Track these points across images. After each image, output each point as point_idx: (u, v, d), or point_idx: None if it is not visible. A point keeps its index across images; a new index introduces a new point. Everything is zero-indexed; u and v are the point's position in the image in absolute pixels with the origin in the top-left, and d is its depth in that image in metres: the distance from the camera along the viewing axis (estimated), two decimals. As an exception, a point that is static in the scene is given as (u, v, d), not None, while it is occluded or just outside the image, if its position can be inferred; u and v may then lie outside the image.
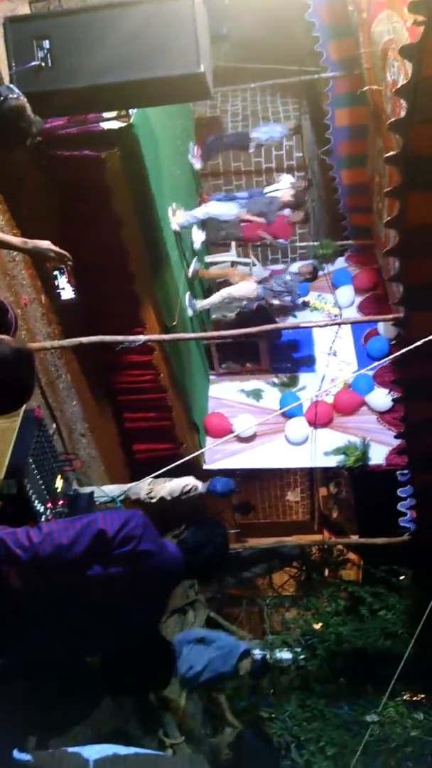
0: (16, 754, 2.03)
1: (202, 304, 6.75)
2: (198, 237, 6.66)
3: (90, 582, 2.13)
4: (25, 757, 2.04)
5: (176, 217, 6.00)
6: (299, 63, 7.49)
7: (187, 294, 6.41)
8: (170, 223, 5.84)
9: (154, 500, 5.31)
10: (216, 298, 6.78)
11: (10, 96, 2.59)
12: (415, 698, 5.58)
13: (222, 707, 5.77)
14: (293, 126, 7.77)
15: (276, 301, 6.80)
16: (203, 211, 6.49)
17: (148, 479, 5.09)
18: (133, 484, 5.18)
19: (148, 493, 5.29)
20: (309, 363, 7.74)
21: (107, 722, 4.08)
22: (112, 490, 5.03)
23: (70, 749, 2.12)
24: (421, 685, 5.55)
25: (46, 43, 3.68)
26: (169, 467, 4.58)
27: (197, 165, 7.28)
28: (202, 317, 7.22)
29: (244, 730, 2.40)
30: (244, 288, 6.82)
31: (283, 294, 6.75)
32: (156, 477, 4.98)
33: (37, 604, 2.10)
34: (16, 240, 3.02)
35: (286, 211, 6.93)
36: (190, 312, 6.47)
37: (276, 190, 6.88)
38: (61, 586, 2.12)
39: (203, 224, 6.69)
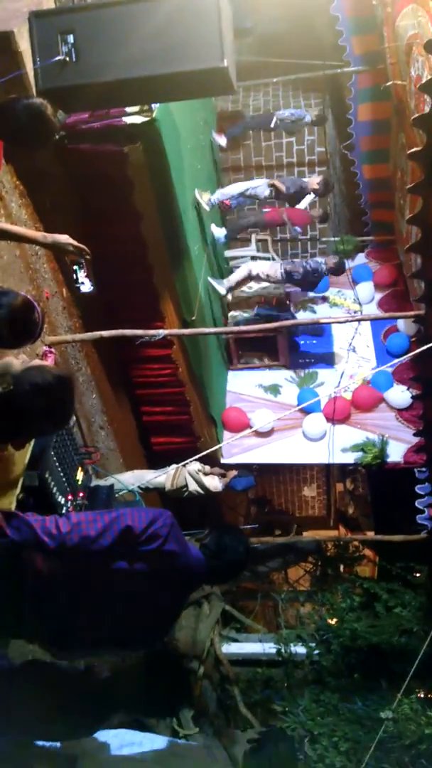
0: (39, 742, 2.07)
1: (228, 280, 6.74)
2: (218, 232, 6.66)
3: (113, 575, 2.17)
4: (48, 744, 2.08)
5: (204, 197, 6.03)
6: (322, 57, 7.43)
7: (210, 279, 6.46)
8: (200, 202, 5.94)
9: (175, 489, 5.32)
10: (241, 272, 6.76)
11: (34, 102, 2.64)
12: (429, 696, 5.56)
13: (236, 699, 5.80)
14: (316, 115, 7.70)
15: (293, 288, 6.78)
16: (235, 188, 6.48)
17: (171, 469, 5.12)
18: (153, 473, 5.21)
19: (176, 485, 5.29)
20: (328, 359, 7.72)
21: (122, 711, 4.13)
22: (129, 479, 5.06)
23: (90, 735, 2.16)
24: (436, 683, 5.53)
25: (71, 38, 3.69)
26: (187, 461, 4.62)
27: (221, 141, 7.17)
28: (215, 312, 7.23)
29: (271, 730, 2.41)
30: (266, 266, 6.82)
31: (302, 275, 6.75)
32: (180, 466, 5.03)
33: (60, 592, 2.14)
34: (37, 234, 3.11)
35: (307, 201, 6.93)
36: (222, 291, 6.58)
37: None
38: (84, 577, 2.16)
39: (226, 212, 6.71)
